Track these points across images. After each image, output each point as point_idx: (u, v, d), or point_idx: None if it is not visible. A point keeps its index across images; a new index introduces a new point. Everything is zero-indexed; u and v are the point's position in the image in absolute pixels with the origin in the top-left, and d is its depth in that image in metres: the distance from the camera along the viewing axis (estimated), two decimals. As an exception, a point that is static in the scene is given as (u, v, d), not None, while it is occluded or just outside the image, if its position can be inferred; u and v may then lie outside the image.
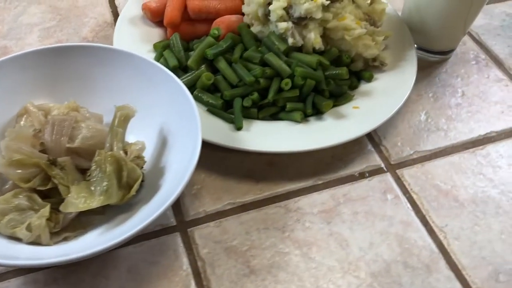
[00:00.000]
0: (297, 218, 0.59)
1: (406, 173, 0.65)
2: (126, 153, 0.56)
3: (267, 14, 0.69)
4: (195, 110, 0.56)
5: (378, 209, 0.61)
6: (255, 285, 0.54)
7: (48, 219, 0.52)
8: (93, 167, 0.54)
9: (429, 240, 0.59)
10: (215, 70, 0.68)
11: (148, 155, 0.60)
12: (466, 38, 0.85)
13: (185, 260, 0.55)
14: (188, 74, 0.67)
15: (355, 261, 0.56)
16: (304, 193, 0.62)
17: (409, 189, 0.63)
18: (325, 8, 0.67)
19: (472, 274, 0.56)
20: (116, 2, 0.85)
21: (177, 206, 0.60)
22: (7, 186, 0.54)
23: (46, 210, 0.52)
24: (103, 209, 0.55)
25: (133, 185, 0.55)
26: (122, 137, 0.57)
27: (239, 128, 0.63)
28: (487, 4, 0.91)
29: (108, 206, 0.54)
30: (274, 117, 0.66)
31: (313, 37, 0.67)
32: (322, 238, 0.58)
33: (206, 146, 0.60)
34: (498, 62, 0.81)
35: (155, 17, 0.74)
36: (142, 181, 0.57)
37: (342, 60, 0.70)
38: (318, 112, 0.67)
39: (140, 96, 0.61)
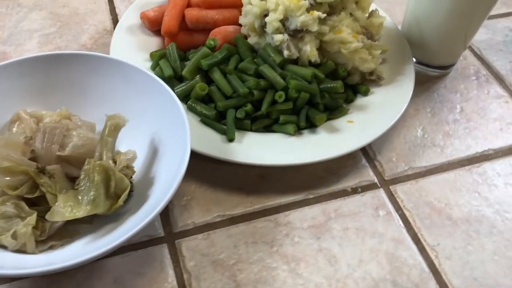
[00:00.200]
0: (286, 233, 0.59)
1: (400, 190, 0.64)
2: (115, 162, 0.56)
3: (263, 25, 0.68)
4: (185, 120, 0.56)
5: (369, 226, 0.60)
6: (240, 300, 0.53)
7: (35, 227, 0.52)
8: (82, 176, 0.54)
9: (420, 258, 0.58)
10: (210, 81, 0.68)
11: (138, 164, 0.60)
12: (467, 53, 0.84)
13: (171, 272, 0.55)
14: (182, 84, 0.67)
15: (343, 278, 0.56)
16: (295, 207, 0.61)
17: (401, 206, 0.63)
18: (322, 21, 0.67)
19: (463, 295, 0.55)
20: (117, 10, 0.85)
21: (166, 217, 0.59)
22: (-6, 193, 0.54)
23: (32, 218, 0.52)
24: (91, 218, 0.55)
25: (121, 195, 0.54)
26: (111, 147, 0.57)
27: (231, 140, 0.62)
28: (489, 19, 0.90)
29: (96, 215, 0.54)
30: (267, 129, 0.66)
31: (309, 50, 0.66)
32: (311, 253, 0.57)
33: (198, 157, 0.60)
34: (498, 78, 0.80)
35: (153, 26, 0.75)
36: (131, 191, 0.57)
37: (338, 73, 0.69)
38: (312, 125, 0.66)
39: (133, 105, 0.61)
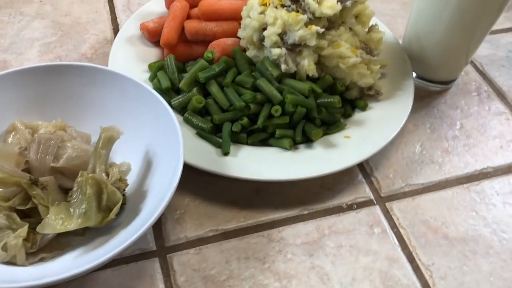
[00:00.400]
0: (279, 249, 0.58)
1: (396, 207, 0.64)
2: (108, 175, 0.56)
3: (262, 39, 0.68)
4: (179, 133, 0.56)
5: (363, 243, 0.60)
6: (230, 317, 0.53)
7: (25, 239, 0.52)
8: (75, 188, 0.54)
9: (414, 278, 0.57)
10: (207, 93, 0.68)
11: (132, 177, 0.60)
12: (469, 68, 0.83)
13: (161, 287, 0.54)
14: (179, 96, 0.67)
15: (335, 297, 0.55)
16: (289, 223, 0.61)
17: (397, 224, 0.62)
18: (320, 35, 0.67)
19: (457, 317, 0.55)
20: (118, 20, 0.85)
21: (159, 230, 0.59)
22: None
23: (24, 230, 0.52)
24: (83, 231, 0.55)
25: (113, 208, 0.54)
26: (105, 159, 0.56)
27: (226, 153, 0.62)
28: (493, 34, 0.90)
29: (88, 228, 0.54)
30: (263, 143, 0.66)
31: (307, 64, 0.66)
32: (303, 271, 0.57)
33: (193, 170, 0.60)
34: (500, 95, 0.80)
35: (153, 37, 0.75)
36: (124, 204, 0.57)
37: (337, 88, 0.69)
38: (308, 140, 0.66)
39: (128, 117, 0.61)
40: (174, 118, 0.57)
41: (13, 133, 0.60)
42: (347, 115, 0.69)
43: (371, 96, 0.71)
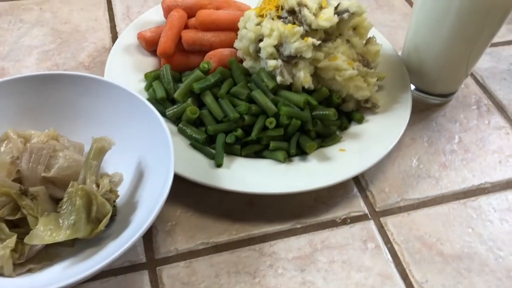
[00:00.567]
0: (270, 263, 0.58)
1: (390, 222, 0.63)
2: (98, 186, 0.56)
3: (258, 50, 0.68)
4: (170, 144, 0.56)
5: (356, 259, 0.59)
6: (218, 332, 0.52)
7: (13, 250, 0.52)
8: (65, 199, 0.54)
9: (406, 296, 0.56)
10: (202, 103, 0.67)
11: (124, 187, 0.59)
12: (469, 80, 0.83)
13: (149, 300, 0.54)
14: (174, 107, 0.67)
15: (325, 313, 0.54)
16: (281, 237, 0.60)
17: (391, 239, 0.61)
18: (316, 47, 0.66)
19: (449, 336, 0.54)
20: (117, 28, 0.85)
21: (149, 242, 0.59)
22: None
23: (12, 240, 0.52)
24: (72, 242, 0.55)
25: (102, 219, 0.54)
26: (96, 170, 0.56)
27: (218, 165, 0.62)
28: (494, 46, 0.89)
29: (78, 239, 0.54)
30: (257, 154, 0.65)
31: (303, 76, 0.66)
32: (294, 286, 0.56)
33: (185, 181, 0.59)
34: (500, 108, 0.79)
35: (150, 46, 0.75)
36: (114, 215, 0.56)
37: (333, 100, 0.68)
38: (303, 152, 0.65)
39: (122, 127, 0.61)
40: (167, 129, 0.57)
41: (5, 142, 0.59)
42: (343, 128, 0.69)
43: (368, 108, 0.70)
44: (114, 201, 0.57)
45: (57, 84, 0.62)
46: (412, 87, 0.78)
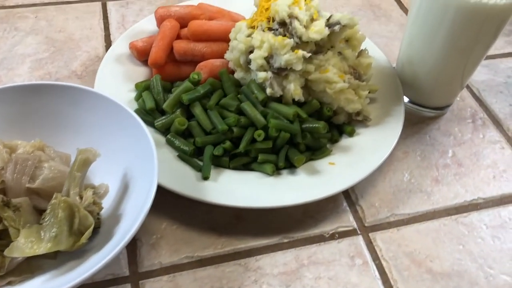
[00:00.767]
0: (255, 279, 0.57)
1: (379, 238, 0.62)
2: (82, 198, 0.55)
3: (248, 62, 0.67)
4: (155, 158, 0.55)
5: (343, 275, 0.58)
6: None
7: (-7, 262, 0.51)
8: (48, 211, 0.54)
9: (393, 314, 0.55)
10: (192, 114, 0.67)
11: (109, 199, 0.59)
12: (465, 93, 0.82)
13: (131, 315, 0.53)
14: (163, 118, 0.66)
15: (309, 331, 0.53)
16: (267, 252, 0.59)
17: (379, 256, 0.60)
18: (307, 60, 0.65)
19: None
20: (111, 37, 0.85)
21: (133, 255, 0.58)
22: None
23: (-8, 252, 0.51)
24: (55, 254, 0.54)
25: (84, 232, 0.53)
26: (79, 182, 0.56)
27: (205, 178, 0.61)
28: (491, 58, 0.88)
29: (60, 251, 0.53)
30: (246, 167, 0.64)
31: (293, 88, 0.65)
32: (278, 303, 0.55)
33: (171, 193, 0.59)
34: (496, 122, 0.77)
35: (141, 56, 0.74)
36: (98, 227, 0.56)
37: (323, 113, 0.68)
38: (292, 165, 0.64)
39: (109, 139, 0.61)
40: (152, 142, 0.57)
41: (-9, 152, 0.59)
42: (334, 141, 0.68)
43: (359, 121, 0.69)
44: (98, 213, 0.56)
45: (46, 94, 0.62)
46: (406, 99, 0.77)
